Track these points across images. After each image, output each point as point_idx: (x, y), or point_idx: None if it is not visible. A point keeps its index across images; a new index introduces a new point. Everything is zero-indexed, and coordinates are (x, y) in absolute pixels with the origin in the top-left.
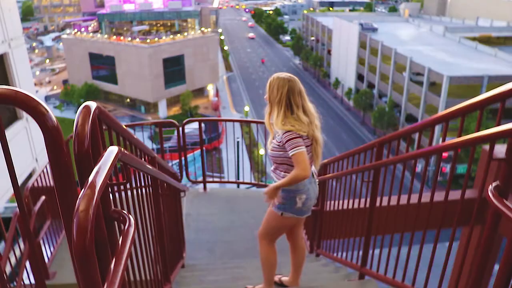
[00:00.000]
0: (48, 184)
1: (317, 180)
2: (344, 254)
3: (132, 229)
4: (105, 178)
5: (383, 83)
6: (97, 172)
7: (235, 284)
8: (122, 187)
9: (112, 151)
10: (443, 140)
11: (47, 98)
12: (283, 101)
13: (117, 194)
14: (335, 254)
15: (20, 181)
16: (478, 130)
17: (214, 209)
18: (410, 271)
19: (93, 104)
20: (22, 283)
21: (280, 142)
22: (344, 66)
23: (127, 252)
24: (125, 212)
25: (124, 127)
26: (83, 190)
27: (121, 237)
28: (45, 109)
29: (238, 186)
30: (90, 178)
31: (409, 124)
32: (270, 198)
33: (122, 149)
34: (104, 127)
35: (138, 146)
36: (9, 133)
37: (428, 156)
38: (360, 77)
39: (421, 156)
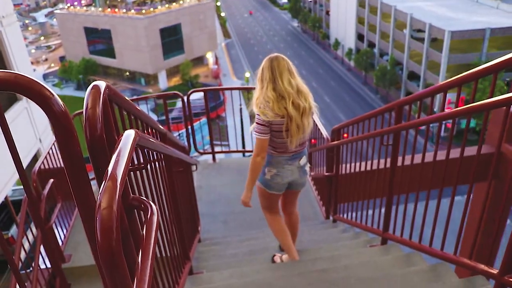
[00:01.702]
0: (55, 165)
1: (304, 165)
2: (364, 220)
3: (155, 218)
4: (125, 167)
5: (383, 42)
6: (116, 161)
7: (254, 257)
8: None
9: (129, 135)
10: (472, 101)
11: (45, 76)
12: (259, 80)
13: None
14: (353, 219)
15: (25, 163)
16: None
17: (225, 180)
18: (438, 234)
19: (102, 84)
20: (38, 268)
21: None
22: (343, 27)
23: (153, 243)
24: (146, 199)
25: (136, 106)
26: (103, 183)
27: (145, 228)
28: (50, 92)
29: (243, 155)
30: (110, 169)
31: (411, 82)
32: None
33: (139, 131)
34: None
35: (150, 124)
36: (10, 115)
37: (455, 118)
38: (360, 37)
39: (449, 118)
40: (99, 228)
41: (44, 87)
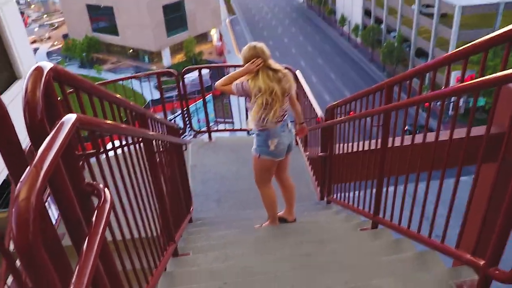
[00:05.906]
0: None
1: (292, 129)
2: (356, 203)
3: (108, 205)
4: (56, 153)
5: (391, 18)
6: (45, 148)
7: (243, 237)
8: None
9: (68, 119)
10: (462, 78)
11: (48, 54)
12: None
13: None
14: (346, 202)
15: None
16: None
17: (220, 159)
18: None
19: (46, 65)
20: None
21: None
22: (350, 2)
23: (101, 233)
24: (100, 185)
25: (95, 85)
26: (24, 174)
27: (94, 216)
28: None
29: (248, 133)
30: (37, 157)
31: (419, 59)
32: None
33: (84, 115)
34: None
35: (121, 104)
36: (8, 96)
37: (445, 98)
38: (367, 13)
39: (439, 98)
40: (14, 221)
41: None
